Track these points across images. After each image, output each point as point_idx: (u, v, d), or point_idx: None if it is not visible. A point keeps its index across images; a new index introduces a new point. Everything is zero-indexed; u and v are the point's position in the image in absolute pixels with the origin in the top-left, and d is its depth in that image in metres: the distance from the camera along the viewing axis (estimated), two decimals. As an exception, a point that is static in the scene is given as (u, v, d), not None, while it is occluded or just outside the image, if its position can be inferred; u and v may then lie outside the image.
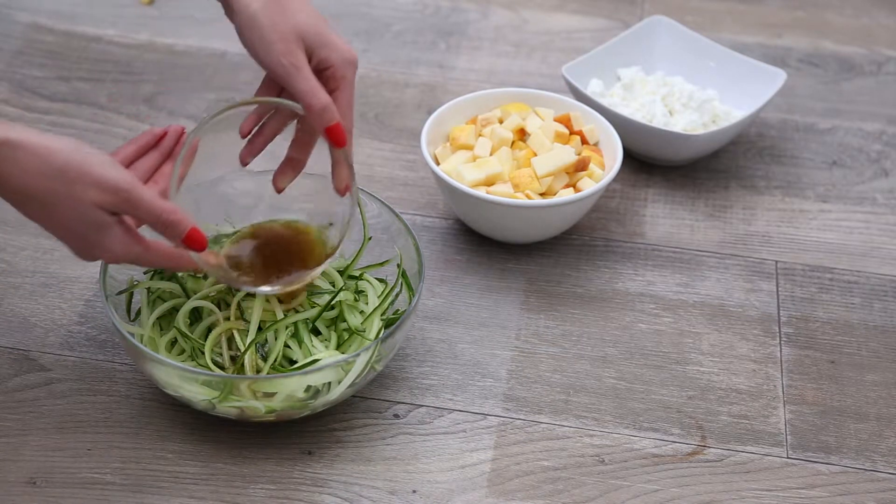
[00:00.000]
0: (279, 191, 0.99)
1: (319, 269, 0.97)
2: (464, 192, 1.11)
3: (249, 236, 1.01)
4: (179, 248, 0.90)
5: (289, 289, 0.96)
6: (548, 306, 1.11)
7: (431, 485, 0.94)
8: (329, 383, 0.94)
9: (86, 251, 0.89)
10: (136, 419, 0.98)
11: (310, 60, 0.94)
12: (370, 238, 1.04)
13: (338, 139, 0.95)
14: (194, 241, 0.89)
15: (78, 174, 0.84)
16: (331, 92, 0.95)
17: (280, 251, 1.00)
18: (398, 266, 1.03)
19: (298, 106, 0.94)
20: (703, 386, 1.03)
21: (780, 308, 1.12)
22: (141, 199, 0.86)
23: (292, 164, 0.99)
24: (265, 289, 0.95)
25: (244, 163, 0.99)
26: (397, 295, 1.02)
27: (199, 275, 0.99)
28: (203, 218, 0.97)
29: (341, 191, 0.97)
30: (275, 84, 0.98)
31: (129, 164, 0.96)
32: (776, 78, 1.28)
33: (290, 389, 0.92)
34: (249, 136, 0.98)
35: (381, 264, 1.04)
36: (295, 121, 0.98)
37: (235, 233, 1.02)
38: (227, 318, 0.96)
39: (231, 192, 1.04)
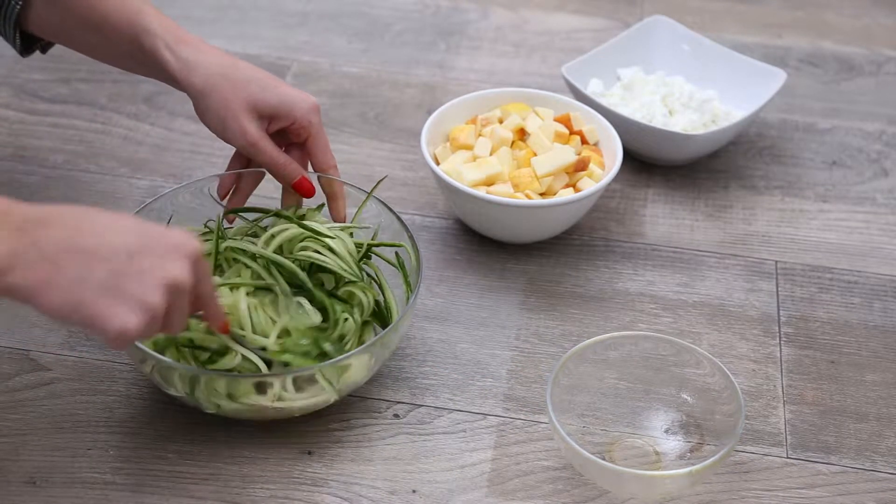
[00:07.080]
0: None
1: None
2: (464, 192, 1.11)
3: None
4: None
5: None
6: (548, 306, 1.11)
7: (431, 485, 0.94)
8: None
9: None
10: (136, 419, 0.98)
11: (271, 123, 0.99)
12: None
13: (305, 191, 1.01)
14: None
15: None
16: (304, 141, 1.01)
17: None
18: (399, 263, 1.03)
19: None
20: (703, 386, 1.03)
21: (780, 308, 1.12)
22: None
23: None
24: None
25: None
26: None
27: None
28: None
29: (341, 219, 1.03)
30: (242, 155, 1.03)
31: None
32: (776, 78, 1.28)
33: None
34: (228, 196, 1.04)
35: (389, 244, 1.03)
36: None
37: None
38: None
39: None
